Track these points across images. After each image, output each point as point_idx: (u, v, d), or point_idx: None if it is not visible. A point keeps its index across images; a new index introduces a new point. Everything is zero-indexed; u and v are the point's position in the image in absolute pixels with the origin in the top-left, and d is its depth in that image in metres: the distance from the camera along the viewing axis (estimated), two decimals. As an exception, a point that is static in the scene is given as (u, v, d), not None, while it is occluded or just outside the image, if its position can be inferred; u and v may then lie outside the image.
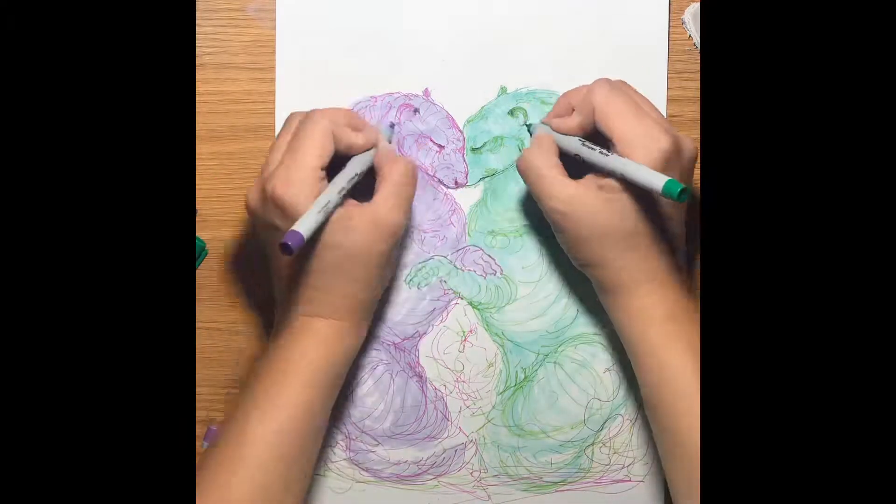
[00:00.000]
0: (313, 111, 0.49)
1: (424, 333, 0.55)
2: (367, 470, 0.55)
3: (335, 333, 0.48)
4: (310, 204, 0.45)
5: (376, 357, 0.54)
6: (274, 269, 0.50)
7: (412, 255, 0.54)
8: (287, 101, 0.54)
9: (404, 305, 0.54)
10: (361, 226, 0.47)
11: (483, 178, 0.54)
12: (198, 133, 0.53)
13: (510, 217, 0.54)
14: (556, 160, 0.49)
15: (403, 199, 0.48)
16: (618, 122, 0.47)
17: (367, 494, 0.55)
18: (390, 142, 0.53)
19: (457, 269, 0.54)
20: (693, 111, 0.54)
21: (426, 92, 0.54)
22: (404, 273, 0.54)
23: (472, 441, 0.55)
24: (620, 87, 0.49)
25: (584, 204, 0.47)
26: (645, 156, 0.46)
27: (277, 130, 0.54)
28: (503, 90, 0.54)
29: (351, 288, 0.48)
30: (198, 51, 0.53)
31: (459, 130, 0.54)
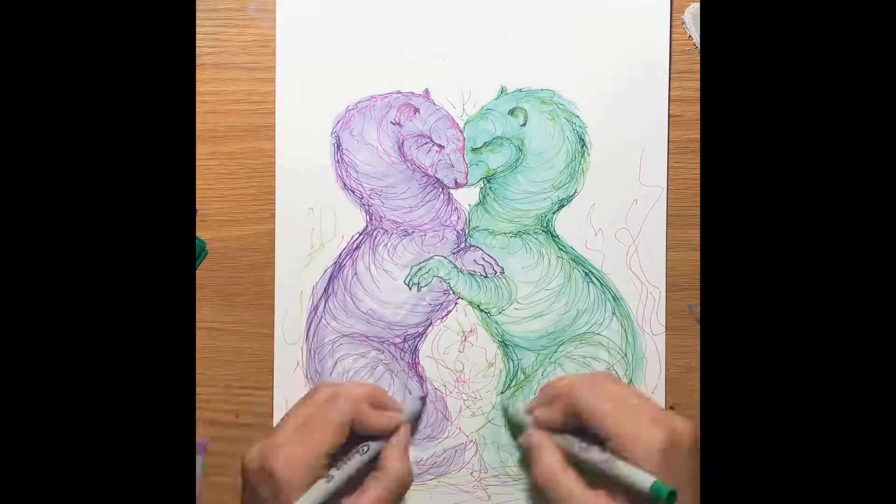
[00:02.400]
0: (340, 393, 0.48)
1: (424, 333, 0.55)
2: (367, 470, 0.55)
3: None
4: (301, 489, 0.44)
5: (376, 357, 0.54)
6: None
7: (412, 256, 0.54)
8: (287, 101, 0.54)
9: (404, 305, 0.54)
10: None
11: (483, 178, 0.54)
12: (198, 133, 0.53)
13: (510, 217, 0.54)
14: (571, 469, 0.47)
15: (391, 503, 0.47)
16: (608, 425, 0.45)
17: (367, 494, 0.55)
18: (419, 417, 0.53)
19: (457, 269, 0.54)
20: (693, 111, 0.54)
21: (426, 92, 0.54)
22: (404, 273, 0.54)
23: (472, 441, 0.55)
24: (605, 382, 0.48)
25: None
26: (643, 456, 0.44)
27: (277, 130, 0.54)
28: (503, 90, 0.54)
29: None
30: (198, 51, 0.53)
31: (459, 130, 0.54)
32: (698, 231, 0.54)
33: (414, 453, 0.54)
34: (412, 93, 0.54)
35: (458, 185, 0.54)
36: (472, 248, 0.55)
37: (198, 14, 0.53)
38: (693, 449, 0.46)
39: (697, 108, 0.54)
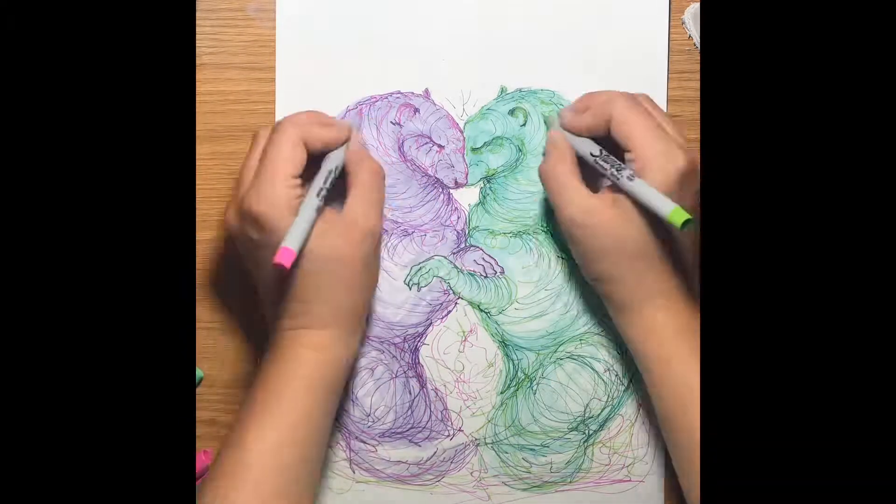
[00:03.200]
0: (281, 121, 0.49)
1: (424, 333, 0.55)
2: (367, 470, 0.55)
3: (325, 343, 0.48)
4: (287, 215, 0.45)
5: (376, 357, 0.54)
6: (258, 286, 0.49)
7: (412, 255, 0.54)
8: (287, 101, 0.54)
9: (404, 305, 0.54)
10: (338, 234, 0.47)
11: (483, 178, 0.54)
12: (198, 133, 0.53)
13: (510, 217, 0.54)
14: (575, 168, 0.49)
15: (374, 202, 0.49)
16: (636, 136, 0.47)
17: (367, 494, 0.55)
18: (359, 129, 0.53)
19: (457, 269, 0.54)
20: (693, 111, 0.54)
21: (426, 92, 0.54)
22: (404, 273, 0.54)
23: (472, 441, 0.55)
24: (642, 101, 0.49)
25: (601, 218, 0.47)
26: (661, 174, 0.46)
27: (277, 130, 0.54)
28: (503, 90, 0.54)
29: (335, 296, 0.48)
30: (198, 51, 0.53)
31: (459, 130, 0.54)
32: (698, 231, 0.54)
33: (414, 453, 0.55)
34: (412, 93, 0.54)
35: (458, 185, 0.54)
36: (472, 248, 0.55)
37: (198, 14, 0.53)
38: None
39: (697, 108, 0.54)
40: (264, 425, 0.46)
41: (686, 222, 0.44)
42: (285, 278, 0.47)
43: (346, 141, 0.50)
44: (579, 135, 0.50)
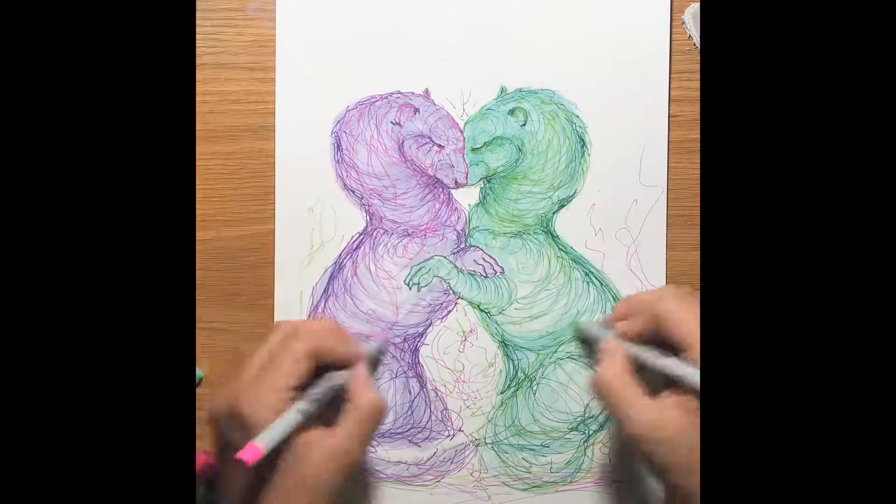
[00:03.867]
0: (299, 328, 0.48)
1: (424, 333, 0.55)
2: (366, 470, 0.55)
3: None
4: (272, 419, 0.44)
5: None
6: (227, 486, 0.48)
7: (412, 256, 0.54)
8: (287, 101, 0.54)
9: (404, 305, 0.54)
10: (318, 456, 0.45)
11: (483, 178, 0.54)
12: (198, 133, 0.53)
13: (510, 217, 0.54)
14: (631, 378, 0.47)
15: (365, 437, 0.47)
16: (689, 333, 0.45)
17: (366, 495, 0.55)
18: (379, 359, 0.53)
19: (457, 269, 0.54)
20: (693, 111, 0.54)
21: (426, 92, 0.54)
22: (404, 273, 0.54)
23: (472, 441, 0.55)
24: (688, 294, 0.48)
25: (671, 425, 0.45)
26: None
27: (277, 130, 0.54)
28: (503, 90, 0.54)
29: None
30: (198, 51, 0.53)
31: (459, 130, 0.54)
32: (698, 231, 0.54)
33: (414, 453, 0.55)
34: (412, 93, 0.54)
35: (458, 185, 0.54)
36: (472, 248, 0.55)
37: (198, 14, 0.53)
38: None
39: (697, 108, 0.54)
40: None
41: None
42: (255, 489, 0.45)
43: (353, 365, 0.49)
44: (633, 341, 0.48)
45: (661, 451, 0.45)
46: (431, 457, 0.55)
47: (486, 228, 0.54)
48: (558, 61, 0.54)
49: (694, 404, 0.45)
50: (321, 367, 0.48)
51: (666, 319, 0.46)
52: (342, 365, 0.48)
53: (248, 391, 0.46)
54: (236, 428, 0.45)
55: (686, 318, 0.46)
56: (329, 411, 0.47)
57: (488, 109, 0.54)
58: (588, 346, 0.54)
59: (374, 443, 0.54)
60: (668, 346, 0.47)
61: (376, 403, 0.47)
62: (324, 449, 0.45)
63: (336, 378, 0.48)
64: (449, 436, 0.55)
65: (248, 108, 0.54)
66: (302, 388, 0.46)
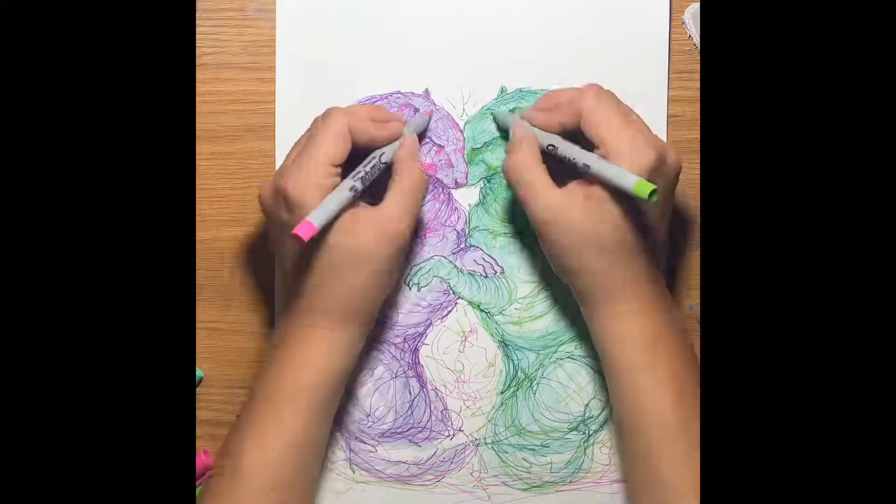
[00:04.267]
0: (334, 108, 0.49)
1: (424, 333, 0.55)
2: (367, 470, 0.54)
3: (335, 347, 0.48)
4: (319, 199, 0.45)
5: (376, 357, 0.54)
6: (279, 268, 0.49)
7: (412, 255, 0.54)
8: (287, 101, 0.54)
9: (404, 305, 0.54)
10: (366, 230, 0.46)
11: (483, 178, 0.54)
12: (198, 133, 0.53)
13: (510, 217, 0.54)
14: (540, 163, 0.48)
15: (412, 208, 0.48)
16: (605, 129, 0.46)
17: (367, 495, 0.55)
18: (425, 131, 0.53)
19: (457, 269, 0.54)
20: (693, 111, 0.54)
21: (426, 92, 0.54)
22: (404, 273, 0.54)
23: (472, 441, 0.55)
24: (610, 96, 0.49)
25: (568, 212, 0.47)
26: (630, 167, 0.45)
27: (278, 130, 0.54)
28: (503, 90, 0.54)
29: (352, 291, 0.47)
30: (198, 51, 0.53)
31: (459, 130, 0.54)
32: (698, 231, 0.54)
33: (414, 453, 0.55)
34: (412, 93, 0.54)
35: (458, 185, 0.54)
36: (472, 248, 0.55)
37: (198, 14, 0.53)
38: (674, 178, 0.48)
39: (697, 108, 0.54)
40: (264, 434, 0.46)
41: (652, 193, 0.43)
42: (308, 266, 0.47)
43: (396, 139, 0.50)
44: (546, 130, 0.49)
45: (561, 232, 0.47)
46: (431, 457, 0.55)
47: (486, 228, 0.54)
48: (558, 61, 0.54)
49: (599, 192, 0.46)
50: (366, 149, 0.49)
51: (586, 116, 0.47)
52: (384, 143, 0.49)
53: (291, 172, 0.47)
54: (284, 209, 0.46)
55: (605, 115, 0.47)
56: (374, 187, 0.48)
57: (488, 109, 0.54)
58: (503, 133, 0.54)
59: (375, 442, 0.54)
60: (585, 142, 0.47)
61: (421, 176, 0.49)
62: (371, 222, 0.47)
63: (383, 152, 0.49)
64: (449, 436, 0.55)
65: (248, 108, 0.54)
66: (346, 166, 0.47)
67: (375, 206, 0.48)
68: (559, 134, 0.49)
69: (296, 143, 0.49)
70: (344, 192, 0.46)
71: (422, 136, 0.54)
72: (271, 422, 0.47)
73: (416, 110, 0.54)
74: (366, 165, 0.48)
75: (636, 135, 0.46)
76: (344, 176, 0.47)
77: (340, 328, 0.48)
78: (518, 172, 0.48)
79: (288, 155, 0.49)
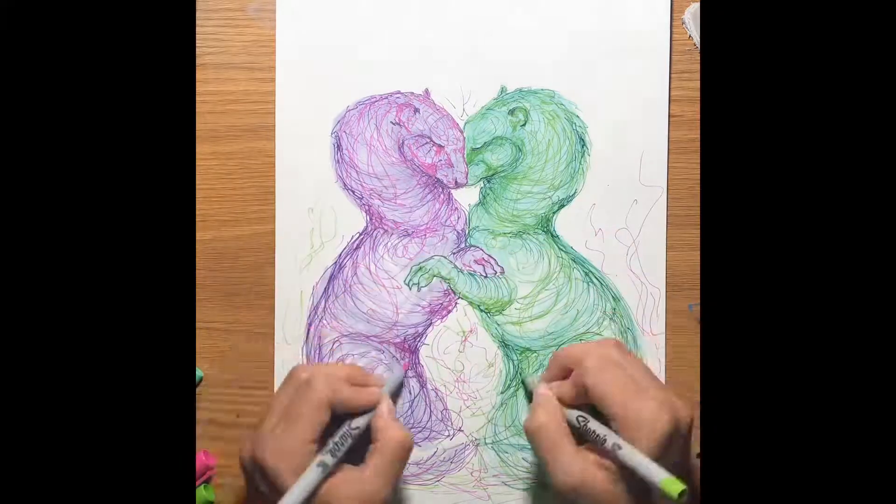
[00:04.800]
0: (315, 374, 0.48)
1: (424, 333, 0.55)
2: (367, 470, 0.54)
3: None
4: (294, 476, 0.45)
5: (376, 357, 0.54)
6: None
7: (412, 255, 0.54)
8: (287, 101, 0.54)
9: (404, 305, 0.54)
10: (347, 500, 0.45)
11: (483, 178, 0.54)
12: (198, 133, 0.53)
13: (510, 217, 0.54)
14: (565, 427, 0.47)
15: (394, 475, 0.47)
16: (614, 405, 0.45)
17: (367, 494, 0.55)
18: (400, 388, 0.53)
19: (457, 269, 0.54)
20: (693, 111, 0.54)
21: (426, 92, 0.54)
22: (404, 273, 0.54)
23: (472, 441, 0.55)
24: (613, 359, 0.47)
25: (592, 483, 0.45)
26: (646, 441, 0.44)
27: (278, 130, 0.54)
28: (503, 90, 0.54)
29: None
30: (198, 51, 0.53)
31: (459, 130, 0.54)
32: (698, 231, 0.54)
33: (414, 453, 0.54)
34: (412, 93, 0.54)
35: (458, 185, 0.54)
36: (472, 248, 0.55)
37: (198, 14, 0.53)
38: (688, 432, 0.46)
39: (697, 108, 0.54)
40: None
41: (682, 493, 0.41)
42: None
43: (374, 406, 0.49)
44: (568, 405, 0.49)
45: (582, 499, 0.45)
46: (431, 457, 0.55)
47: (486, 228, 0.54)
48: (558, 61, 0.54)
49: (614, 474, 0.45)
50: (342, 415, 0.48)
51: (592, 391, 0.46)
52: (362, 410, 0.49)
53: (269, 444, 0.46)
54: (260, 476, 0.46)
55: (610, 388, 0.46)
56: (357, 447, 0.47)
57: (488, 109, 0.54)
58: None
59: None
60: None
61: (402, 440, 0.47)
62: (353, 492, 0.46)
63: (356, 423, 0.48)
64: (449, 436, 0.55)
65: (248, 108, 0.54)
66: (322, 437, 0.47)
67: (355, 470, 0.46)
68: (578, 405, 0.48)
69: (274, 403, 0.48)
70: (313, 471, 0.45)
71: (398, 393, 0.54)
72: None
73: (416, 110, 0.54)
74: (336, 438, 0.47)
75: (647, 403, 0.45)
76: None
77: None
78: (542, 435, 0.47)
79: (268, 414, 0.48)
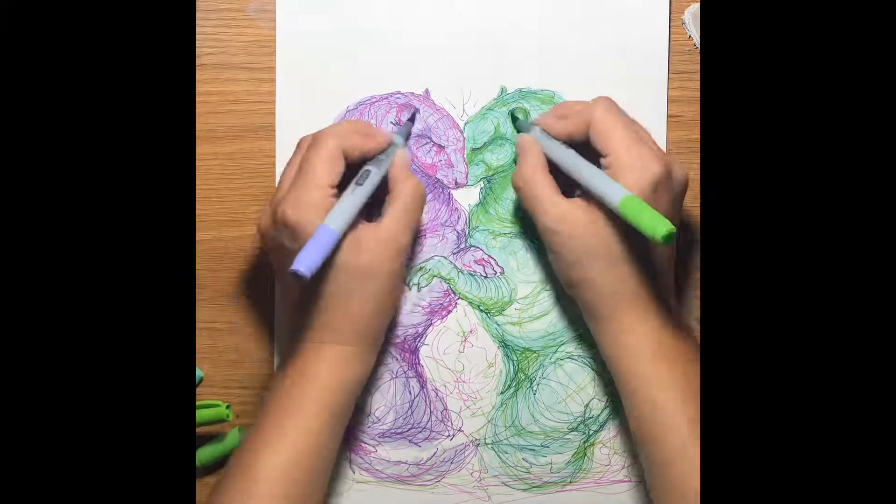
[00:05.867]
0: (322, 130, 0.49)
1: (424, 333, 0.55)
2: (366, 470, 0.54)
3: (345, 360, 0.48)
4: (320, 223, 0.45)
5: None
6: (282, 294, 0.49)
7: (412, 256, 0.54)
8: (287, 101, 0.54)
9: (404, 305, 0.54)
10: (372, 247, 0.47)
11: (483, 178, 0.54)
12: (198, 133, 0.53)
13: (510, 217, 0.54)
14: (548, 175, 0.49)
15: (412, 220, 0.49)
16: (614, 140, 0.47)
17: (366, 495, 0.54)
18: (407, 138, 0.53)
19: (457, 269, 0.54)
20: (693, 111, 0.54)
21: (426, 92, 0.54)
22: (404, 273, 0.54)
23: (472, 441, 0.55)
24: (620, 109, 0.49)
25: (575, 224, 0.47)
26: (636, 179, 0.45)
27: (278, 130, 0.54)
28: (503, 90, 0.54)
29: (362, 309, 0.47)
30: (198, 51, 0.53)
31: (459, 130, 0.54)
32: (698, 231, 0.54)
33: (414, 453, 0.55)
34: (412, 93, 0.54)
35: (458, 185, 0.54)
36: (472, 248, 0.55)
37: (198, 14, 0.53)
38: (681, 193, 0.48)
39: (697, 108, 0.54)
40: (276, 445, 0.46)
41: (668, 236, 0.42)
42: (314, 288, 0.47)
43: (386, 149, 0.50)
44: (555, 139, 0.50)
45: (564, 242, 0.47)
46: (431, 457, 0.55)
47: (486, 228, 0.54)
48: (558, 61, 0.54)
49: (599, 211, 0.46)
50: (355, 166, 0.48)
51: (595, 125, 0.47)
52: (375, 153, 0.49)
53: (289, 199, 0.46)
54: (286, 236, 0.46)
55: (614, 125, 0.47)
56: (371, 206, 0.48)
57: (488, 109, 0.54)
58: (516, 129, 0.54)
59: (374, 442, 0.54)
60: (593, 152, 0.48)
61: (415, 187, 0.49)
62: (373, 239, 0.47)
63: (372, 175, 0.48)
64: (449, 436, 0.55)
65: (248, 108, 0.54)
66: (341, 186, 0.47)
67: (374, 222, 0.48)
68: (568, 143, 0.49)
69: (286, 169, 0.49)
70: (351, 192, 0.46)
71: (411, 138, 0.54)
72: (283, 434, 0.47)
73: (417, 110, 0.54)
74: (357, 175, 0.48)
75: (643, 148, 0.46)
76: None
77: (352, 345, 0.48)
78: (525, 183, 0.49)
79: (280, 182, 0.49)
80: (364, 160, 0.49)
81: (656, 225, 0.42)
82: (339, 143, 0.48)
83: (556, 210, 0.47)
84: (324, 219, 0.45)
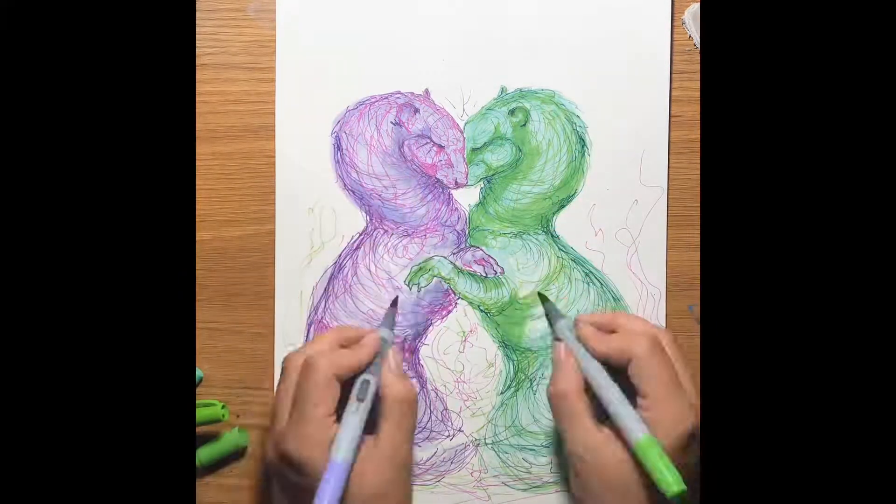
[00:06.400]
0: (310, 354, 0.47)
1: (424, 334, 0.55)
2: (367, 470, 0.54)
3: None
4: (324, 456, 0.44)
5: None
6: None
7: (412, 256, 0.54)
8: (287, 101, 0.54)
9: (404, 305, 0.54)
10: (377, 471, 0.46)
11: (483, 178, 0.54)
12: (198, 133, 0.53)
13: (510, 217, 0.54)
14: (583, 397, 0.47)
15: (407, 431, 0.47)
16: (652, 388, 0.46)
17: (367, 494, 0.54)
18: (392, 328, 0.52)
19: (457, 269, 0.54)
20: (693, 111, 0.54)
21: (426, 92, 0.54)
22: (404, 273, 0.54)
23: (472, 441, 0.55)
24: (666, 349, 0.48)
25: (603, 458, 0.46)
26: (667, 434, 0.45)
27: (278, 130, 0.54)
28: (503, 90, 0.54)
29: None
30: (198, 51, 0.53)
31: (459, 130, 0.54)
32: (698, 231, 0.54)
33: (414, 453, 0.54)
34: (412, 93, 0.54)
35: (458, 185, 0.54)
36: (472, 248, 0.55)
37: (198, 14, 0.53)
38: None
39: (697, 108, 0.54)
40: None
41: (680, 495, 0.42)
42: None
43: (376, 355, 0.49)
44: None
45: (590, 473, 0.46)
46: (431, 457, 0.55)
47: (486, 228, 0.54)
48: (558, 61, 0.54)
49: (626, 452, 0.45)
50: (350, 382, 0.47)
51: (636, 362, 0.47)
52: (364, 367, 0.48)
53: (290, 435, 0.46)
54: (291, 470, 0.46)
55: (650, 370, 0.46)
56: (369, 416, 0.47)
57: (488, 109, 0.54)
58: (547, 319, 0.54)
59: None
60: (627, 383, 0.47)
61: (402, 397, 0.47)
62: (379, 460, 0.46)
63: (371, 384, 0.47)
64: (449, 436, 0.55)
65: (248, 108, 0.54)
66: (339, 412, 0.46)
67: (371, 441, 0.46)
68: (604, 363, 0.48)
69: (279, 394, 0.48)
70: (350, 416, 0.45)
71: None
72: None
73: (416, 110, 0.54)
74: (354, 390, 0.47)
75: (680, 400, 0.46)
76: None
77: None
78: (559, 401, 0.48)
79: (277, 411, 0.47)
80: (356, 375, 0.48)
81: (670, 480, 0.42)
82: (330, 368, 0.47)
83: (588, 439, 0.46)
84: (328, 450, 0.44)
